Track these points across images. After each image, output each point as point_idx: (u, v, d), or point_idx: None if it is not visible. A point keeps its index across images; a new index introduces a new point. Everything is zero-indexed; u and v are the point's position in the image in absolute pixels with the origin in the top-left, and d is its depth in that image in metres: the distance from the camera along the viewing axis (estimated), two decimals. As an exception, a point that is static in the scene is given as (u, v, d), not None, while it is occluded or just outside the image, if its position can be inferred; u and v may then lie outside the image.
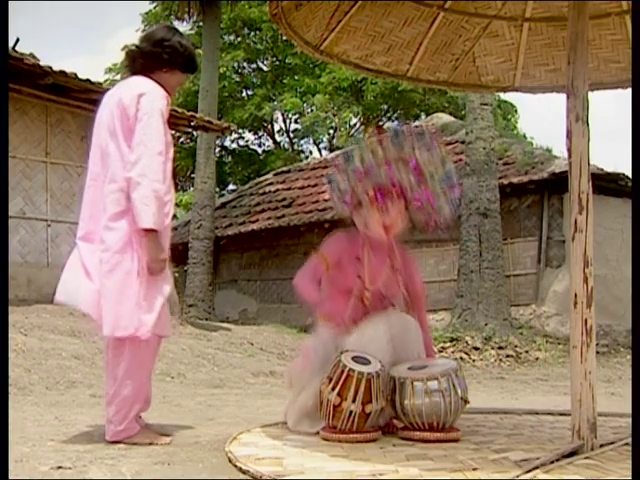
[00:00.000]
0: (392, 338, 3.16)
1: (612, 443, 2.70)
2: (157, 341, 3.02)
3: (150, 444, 2.87)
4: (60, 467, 2.39)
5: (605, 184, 10.27)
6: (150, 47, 3.05)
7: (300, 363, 3.40)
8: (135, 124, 2.89)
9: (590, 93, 2.79)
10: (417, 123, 16.32)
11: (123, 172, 2.89)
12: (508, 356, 9.06)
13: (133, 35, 42.66)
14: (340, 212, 3.57)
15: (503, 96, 20.10)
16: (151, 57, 3.04)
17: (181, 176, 22.67)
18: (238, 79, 21.82)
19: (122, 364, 2.89)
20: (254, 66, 22.48)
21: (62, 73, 8.07)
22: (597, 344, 2.81)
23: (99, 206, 2.98)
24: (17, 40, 8.35)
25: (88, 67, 43.54)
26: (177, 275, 14.62)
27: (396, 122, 21.96)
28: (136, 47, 3.10)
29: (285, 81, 21.42)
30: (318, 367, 3.21)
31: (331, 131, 22.51)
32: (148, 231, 2.85)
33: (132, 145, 2.87)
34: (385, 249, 3.43)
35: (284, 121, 23.74)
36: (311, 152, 24.34)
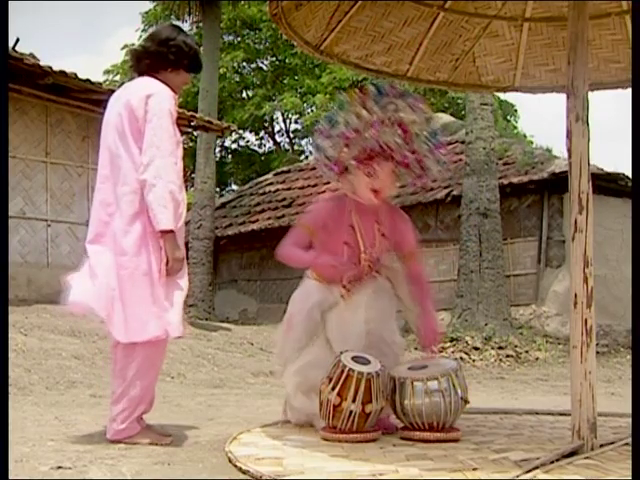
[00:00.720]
0: (367, 321, 3.24)
1: (612, 443, 2.69)
2: (166, 341, 3.01)
3: (150, 444, 2.87)
4: (60, 467, 2.39)
5: (605, 184, 10.27)
6: (155, 47, 3.04)
7: (283, 332, 3.40)
8: (144, 125, 2.88)
9: (590, 93, 2.79)
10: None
11: (135, 174, 2.88)
12: (508, 356, 9.06)
13: (132, 35, 42.76)
14: (327, 178, 3.61)
15: (503, 96, 20.11)
16: (156, 57, 3.03)
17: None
18: (238, 79, 21.82)
19: (133, 364, 2.89)
20: (254, 66, 22.49)
21: (62, 73, 8.07)
22: (597, 344, 2.81)
23: (109, 209, 2.99)
24: (17, 40, 8.36)
25: (87, 67, 43.57)
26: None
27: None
28: (141, 47, 3.09)
29: (285, 81, 21.43)
30: (302, 338, 3.26)
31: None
32: (166, 232, 2.85)
33: (143, 147, 2.86)
34: (373, 213, 3.39)
35: (284, 121, 23.76)
36: (311, 152, 24.33)
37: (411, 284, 3.51)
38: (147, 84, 2.97)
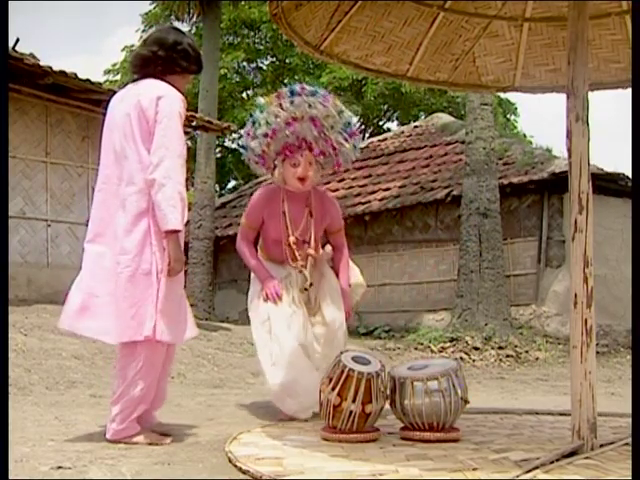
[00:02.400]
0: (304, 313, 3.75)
1: (612, 443, 2.70)
2: (167, 343, 3.02)
3: (150, 444, 2.87)
4: (60, 467, 2.40)
5: (605, 184, 10.26)
6: (164, 52, 3.08)
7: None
8: (154, 127, 2.91)
9: (590, 93, 2.79)
10: (417, 123, 16.32)
11: (142, 174, 2.91)
12: (508, 356, 9.06)
13: (132, 35, 42.77)
14: (259, 173, 4.21)
15: (503, 96, 20.10)
16: (165, 61, 3.08)
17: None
18: (238, 79, 21.81)
19: (133, 364, 2.91)
20: (254, 66, 22.49)
21: (62, 73, 8.07)
22: (597, 344, 2.81)
23: (110, 209, 3.00)
24: (17, 40, 8.35)
25: (87, 67, 43.57)
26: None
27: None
28: (150, 52, 3.10)
29: (285, 81, 21.41)
30: (259, 322, 3.77)
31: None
32: (171, 232, 2.87)
33: (152, 147, 2.89)
34: (303, 199, 3.89)
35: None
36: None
37: (333, 252, 4.09)
38: (157, 86, 3.00)
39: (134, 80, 3.15)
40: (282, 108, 3.82)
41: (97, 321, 2.92)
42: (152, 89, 2.98)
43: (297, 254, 3.87)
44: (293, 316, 3.70)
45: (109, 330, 2.91)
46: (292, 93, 3.83)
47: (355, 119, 4.09)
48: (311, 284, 3.84)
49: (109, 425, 2.93)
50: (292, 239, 3.86)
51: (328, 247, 4.11)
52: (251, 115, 4.00)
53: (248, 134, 3.93)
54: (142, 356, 2.91)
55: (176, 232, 2.89)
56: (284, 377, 3.58)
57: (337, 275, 4.00)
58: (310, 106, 3.81)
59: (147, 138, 2.92)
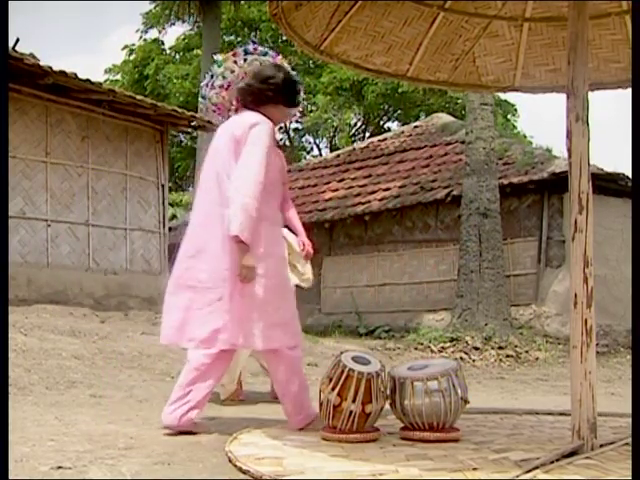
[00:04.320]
0: None
1: (612, 443, 2.70)
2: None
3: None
4: (60, 467, 2.39)
5: (605, 184, 10.26)
6: (257, 84, 3.37)
7: None
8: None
9: (590, 93, 2.79)
10: (417, 123, 16.32)
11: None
12: (508, 356, 9.06)
13: (132, 34, 42.76)
14: (215, 122, 4.74)
15: (503, 96, 20.10)
16: (258, 94, 3.35)
17: (181, 176, 22.67)
18: (238, 79, 21.79)
19: (281, 367, 3.23)
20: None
21: (62, 73, 8.07)
22: (597, 344, 2.81)
23: (211, 227, 3.19)
24: (17, 40, 8.36)
25: (87, 66, 43.52)
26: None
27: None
28: (246, 84, 3.45)
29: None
30: None
31: (332, 131, 22.50)
32: (235, 239, 3.06)
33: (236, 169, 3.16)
34: None
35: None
36: (312, 149, 24.34)
37: (283, 203, 4.11)
38: (251, 116, 3.28)
39: (237, 111, 3.49)
40: (237, 64, 4.49)
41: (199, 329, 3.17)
42: (246, 120, 3.25)
43: None
44: None
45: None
46: (246, 52, 4.53)
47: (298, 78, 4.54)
48: None
49: (289, 419, 3.25)
50: None
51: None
52: (210, 69, 4.63)
53: (207, 85, 4.56)
54: (286, 358, 3.21)
55: (239, 240, 3.05)
56: None
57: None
58: (261, 64, 4.32)
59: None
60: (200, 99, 4.76)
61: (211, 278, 3.13)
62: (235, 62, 4.52)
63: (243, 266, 3.06)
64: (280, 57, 4.69)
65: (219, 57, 4.65)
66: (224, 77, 4.50)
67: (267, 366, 3.36)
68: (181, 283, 3.23)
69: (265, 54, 4.60)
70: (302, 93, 3.52)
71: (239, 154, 3.17)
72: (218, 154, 3.27)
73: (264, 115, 3.28)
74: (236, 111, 4.16)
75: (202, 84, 4.67)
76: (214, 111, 4.59)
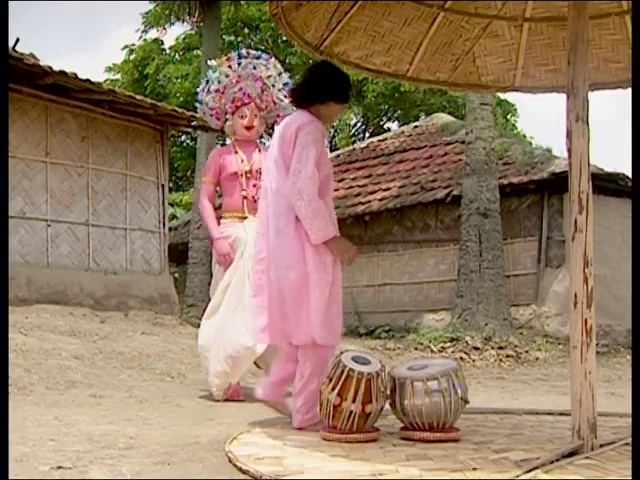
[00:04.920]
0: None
1: (612, 443, 2.70)
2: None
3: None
4: (60, 467, 2.39)
5: (605, 184, 10.26)
6: (305, 84, 3.39)
7: None
8: (293, 153, 3.24)
9: (590, 93, 2.79)
10: (417, 123, 16.32)
11: (286, 195, 3.24)
12: (508, 356, 9.05)
13: (132, 34, 42.76)
14: (213, 125, 4.96)
15: (503, 96, 20.09)
16: (306, 92, 3.35)
17: (181, 176, 22.67)
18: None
19: (308, 363, 3.24)
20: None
21: (62, 73, 8.07)
22: (597, 344, 2.81)
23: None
24: (17, 40, 8.35)
25: (87, 66, 43.55)
26: (177, 275, 14.62)
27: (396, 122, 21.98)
28: (295, 85, 3.50)
29: (285, 81, 21.42)
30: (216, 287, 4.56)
31: (332, 131, 22.49)
32: (325, 242, 3.21)
33: (290, 171, 3.22)
34: (252, 146, 4.72)
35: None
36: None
37: None
38: (298, 118, 3.31)
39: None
40: (231, 68, 4.68)
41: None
42: (293, 122, 3.29)
43: (250, 186, 4.56)
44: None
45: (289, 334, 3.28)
46: (239, 56, 4.74)
47: (290, 80, 4.89)
48: None
49: (294, 415, 3.26)
50: (246, 168, 4.60)
51: None
52: (205, 74, 4.86)
53: (203, 90, 4.77)
54: (317, 356, 3.22)
55: (330, 240, 3.21)
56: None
57: None
58: (255, 67, 4.69)
59: (289, 162, 3.24)
60: (197, 104, 4.89)
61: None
62: (229, 66, 4.68)
63: (339, 253, 3.22)
64: (273, 59, 4.84)
65: (213, 62, 4.81)
66: (219, 81, 4.66)
67: (297, 356, 3.38)
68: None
69: (258, 57, 4.76)
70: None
71: (285, 155, 3.25)
72: (270, 156, 3.41)
73: (314, 114, 3.29)
74: (233, 112, 4.64)
75: (199, 89, 4.84)
76: (211, 115, 4.77)
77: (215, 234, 4.55)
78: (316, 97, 3.30)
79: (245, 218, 4.54)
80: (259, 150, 4.69)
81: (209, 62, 4.88)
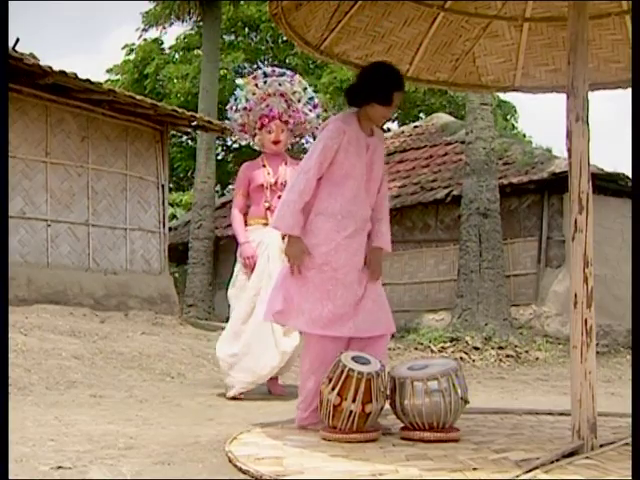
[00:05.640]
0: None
1: (612, 443, 2.69)
2: (342, 340, 3.25)
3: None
4: (60, 467, 2.39)
5: (605, 184, 10.26)
6: (353, 84, 3.39)
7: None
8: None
9: (590, 93, 2.79)
10: (417, 123, 16.32)
11: None
12: (508, 356, 9.05)
13: (131, 34, 42.79)
14: (241, 140, 5.34)
15: (503, 96, 20.09)
16: (352, 92, 3.37)
17: (181, 176, 22.68)
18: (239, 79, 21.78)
19: (306, 358, 3.27)
20: (254, 67, 22.46)
21: (62, 73, 8.06)
22: (597, 344, 2.81)
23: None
24: (17, 40, 8.35)
25: (86, 66, 43.54)
26: (177, 275, 14.62)
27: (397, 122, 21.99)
28: (348, 85, 3.47)
29: (285, 81, 21.40)
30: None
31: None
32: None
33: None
34: (280, 159, 4.98)
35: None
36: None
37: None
38: (336, 117, 3.36)
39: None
40: (257, 87, 4.95)
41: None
42: (331, 119, 3.38)
43: (275, 198, 4.73)
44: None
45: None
46: (265, 75, 5.01)
47: (315, 94, 5.23)
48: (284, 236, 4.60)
49: (296, 412, 3.28)
50: (271, 180, 4.87)
51: None
52: (233, 93, 5.12)
53: (232, 108, 5.05)
54: (313, 352, 3.23)
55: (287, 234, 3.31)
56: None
57: None
58: (280, 84, 4.96)
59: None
60: (227, 121, 5.27)
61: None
62: (256, 85, 4.95)
63: (288, 255, 3.28)
64: (297, 76, 5.11)
65: (241, 81, 5.14)
66: (247, 99, 4.94)
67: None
68: None
69: (283, 74, 5.02)
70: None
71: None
72: None
73: (362, 114, 3.31)
74: (261, 128, 4.93)
75: (228, 107, 5.11)
76: (240, 130, 5.08)
77: (241, 239, 4.86)
78: (360, 98, 3.32)
79: (267, 224, 4.69)
80: (285, 163, 4.96)
81: (237, 81, 5.23)
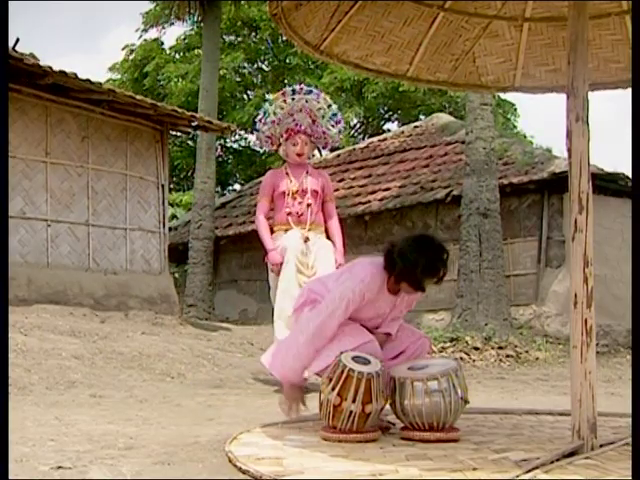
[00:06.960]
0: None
1: (612, 443, 2.69)
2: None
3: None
4: (60, 467, 2.39)
5: (605, 184, 10.25)
6: (394, 255, 3.12)
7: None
8: None
9: (590, 93, 2.79)
10: (417, 123, 16.32)
11: None
12: (508, 356, 9.05)
13: (132, 34, 42.71)
14: (268, 150, 5.96)
15: (503, 96, 20.07)
16: (393, 262, 3.12)
17: (181, 176, 22.67)
18: (238, 79, 21.75)
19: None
20: (254, 66, 22.46)
21: (62, 73, 8.06)
22: (597, 344, 2.81)
23: None
24: (17, 40, 8.35)
25: (86, 65, 43.54)
26: (177, 275, 14.62)
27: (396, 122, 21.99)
28: (390, 246, 3.18)
29: (285, 81, 21.40)
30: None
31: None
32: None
33: None
34: (304, 169, 5.44)
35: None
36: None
37: (326, 219, 5.45)
38: (362, 273, 3.22)
39: None
40: (285, 102, 5.40)
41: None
42: (360, 266, 3.30)
43: (296, 204, 5.25)
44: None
45: None
46: (293, 92, 5.46)
47: (338, 111, 5.71)
48: (307, 238, 5.15)
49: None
50: (294, 187, 5.28)
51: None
52: (262, 107, 5.69)
53: (260, 121, 5.51)
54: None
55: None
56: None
57: (329, 238, 5.33)
58: (307, 101, 5.41)
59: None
60: (255, 132, 5.78)
61: None
62: (284, 100, 5.40)
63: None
64: (323, 94, 5.60)
65: (270, 96, 5.62)
66: (275, 113, 5.39)
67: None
68: None
69: (309, 92, 5.48)
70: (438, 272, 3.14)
71: None
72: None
73: (389, 280, 3.19)
74: (286, 140, 5.38)
75: (257, 119, 5.61)
76: (267, 141, 5.53)
77: (269, 246, 5.21)
78: (395, 271, 3.15)
79: (289, 229, 5.22)
80: (307, 172, 5.42)
81: (266, 96, 5.77)
